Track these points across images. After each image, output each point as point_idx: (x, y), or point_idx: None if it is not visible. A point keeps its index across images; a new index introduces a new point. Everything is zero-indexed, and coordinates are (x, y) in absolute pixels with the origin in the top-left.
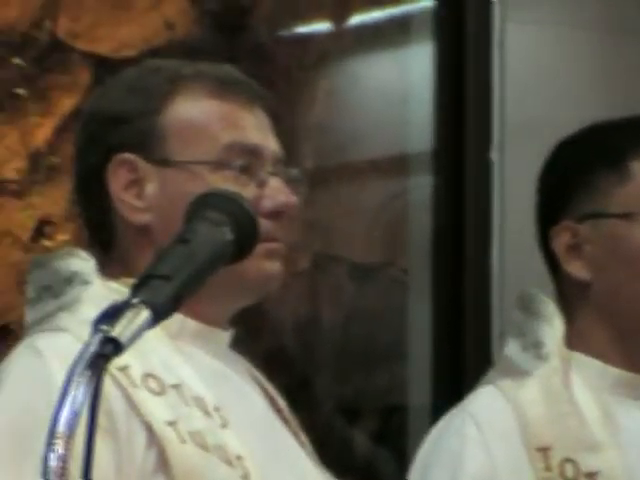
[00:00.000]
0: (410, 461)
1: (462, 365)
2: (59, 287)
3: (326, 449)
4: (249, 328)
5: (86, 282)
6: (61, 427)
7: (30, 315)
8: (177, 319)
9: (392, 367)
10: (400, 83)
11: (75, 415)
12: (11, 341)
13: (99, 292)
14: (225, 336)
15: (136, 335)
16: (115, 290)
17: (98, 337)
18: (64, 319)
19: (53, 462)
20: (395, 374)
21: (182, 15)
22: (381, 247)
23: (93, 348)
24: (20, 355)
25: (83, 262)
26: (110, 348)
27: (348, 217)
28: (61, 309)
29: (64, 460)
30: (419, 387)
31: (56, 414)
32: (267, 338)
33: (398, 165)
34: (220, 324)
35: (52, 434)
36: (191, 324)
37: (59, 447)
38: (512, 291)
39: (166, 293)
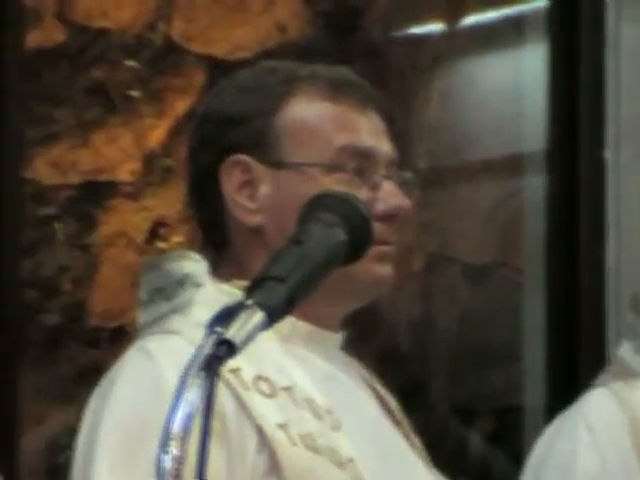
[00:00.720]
0: (525, 462)
1: (577, 365)
2: (171, 289)
3: (440, 450)
4: (363, 329)
5: (198, 284)
6: (175, 429)
7: (142, 317)
8: (289, 321)
9: (507, 368)
10: (514, 83)
11: (189, 417)
12: (125, 343)
13: (211, 294)
14: (336, 338)
15: (250, 337)
16: (227, 292)
17: (212, 339)
18: (176, 321)
19: (167, 463)
20: (510, 375)
21: (295, 17)
22: (495, 247)
23: (207, 350)
24: (132, 357)
25: (195, 264)
26: (224, 350)
27: (462, 217)
28: (173, 311)
29: (179, 461)
30: (534, 388)
31: (170, 416)
32: (381, 339)
33: (512, 165)
34: (331, 326)
35: (166, 436)
36: (303, 326)
37: (174, 448)
38: (627, 290)
39: (280, 295)
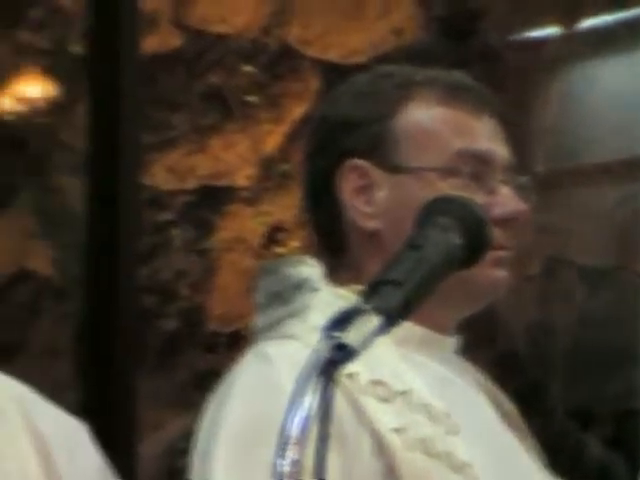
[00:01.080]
0: None
1: None
2: (288, 293)
3: (559, 454)
4: (480, 333)
5: (315, 289)
6: (293, 432)
7: (259, 321)
8: (404, 325)
9: (626, 372)
10: (632, 87)
11: (306, 421)
12: (243, 347)
13: (327, 299)
14: (451, 342)
15: (367, 342)
16: (343, 297)
17: (329, 343)
18: (293, 326)
19: (285, 468)
20: (629, 379)
21: (410, 21)
22: (613, 250)
23: (324, 354)
24: (249, 362)
25: (312, 269)
26: (341, 354)
27: (580, 221)
28: (290, 316)
29: (297, 465)
30: None
31: (288, 420)
32: (499, 343)
33: (630, 168)
34: (447, 330)
35: (284, 439)
36: (418, 330)
37: (292, 452)
38: None
39: (397, 299)
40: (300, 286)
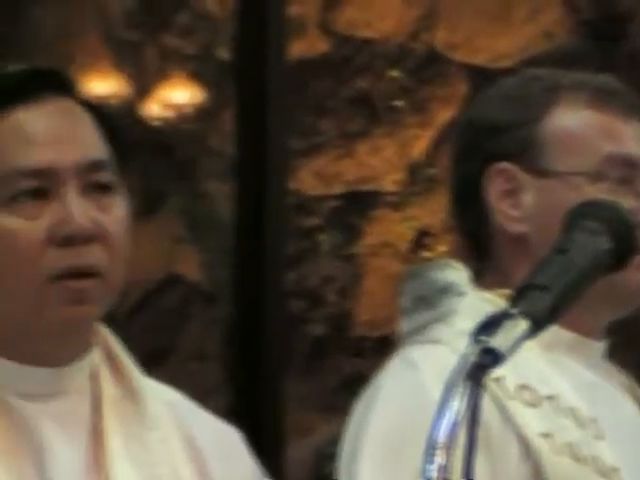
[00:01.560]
0: None
1: None
2: (434, 298)
3: None
4: (628, 337)
5: (461, 293)
6: (441, 438)
7: (405, 325)
8: (551, 329)
9: None
10: None
11: (454, 426)
12: (390, 352)
13: (473, 303)
14: (599, 347)
15: (515, 346)
16: (489, 301)
17: (477, 348)
18: (439, 331)
19: (433, 472)
20: None
21: (559, 25)
22: None
23: (472, 359)
24: (396, 366)
25: (458, 273)
26: (489, 359)
27: None
28: (436, 320)
29: (445, 471)
30: None
31: (435, 425)
32: None
33: None
34: (594, 334)
35: (432, 445)
36: (565, 335)
37: (439, 457)
38: None
39: (545, 304)
40: (446, 290)
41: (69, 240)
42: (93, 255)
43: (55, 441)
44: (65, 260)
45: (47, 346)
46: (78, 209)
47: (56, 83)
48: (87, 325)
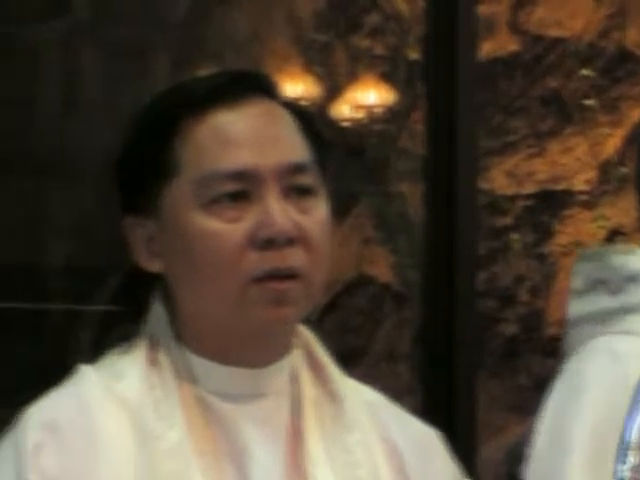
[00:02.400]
0: None
1: None
2: (617, 284)
3: None
4: None
5: None
6: (634, 437)
7: (575, 306)
8: None
9: None
10: None
11: None
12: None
13: None
14: None
15: None
16: None
17: None
18: (636, 323)
19: (626, 473)
20: None
21: None
22: None
23: None
24: (599, 358)
25: None
26: None
27: None
28: (627, 311)
29: (638, 471)
30: None
31: (627, 424)
32: None
33: None
34: None
35: (624, 444)
36: None
37: (632, 457)
38: None
39: None
40: (634, 279)
41: (270, 242)
42: (294, 257)
43: (255, 443)
44: (266, 262)
45: (248, 347)
46: (279, 212)
47: (258, 85)
48: (287, 327)
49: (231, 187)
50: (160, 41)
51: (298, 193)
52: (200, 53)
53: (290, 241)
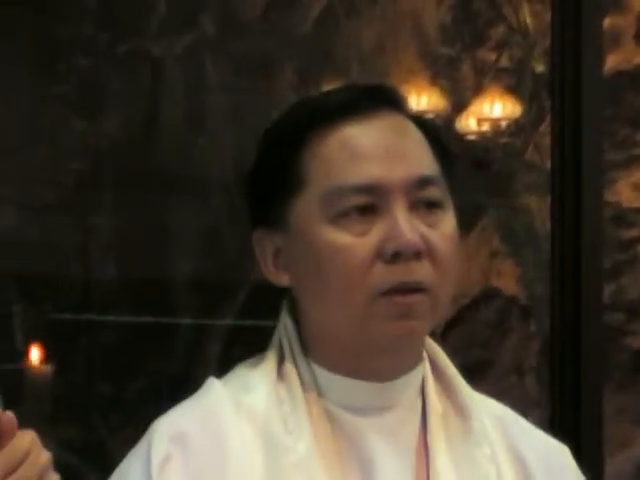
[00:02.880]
0: None
1: None
2: None
3: None
4: None
5: None
6: None
7: None
8: None
9: None
10: None
11: None
12: None
13: None
14: None
15: None
16: None
17: None
18: None
19: None
20: None
21: None
22: None
23: None
24: None
25: None
26: None
27: None
28: None
29: None
30: None
31: None
32: None
33: None
34: None
35: None
36: None
37: None
38: None
39: None
40: None
41: (397, 256)
42: (421, 271)
43: (382, 456)
44: (393, 276)
45: (376, 361)
46: (407, 225)
47: (387, 99)
48: (414, 340)
49: (359, 200)
50: (286, 55)
51: (426, 206)
52: (326, 66)
53: (417, 255)
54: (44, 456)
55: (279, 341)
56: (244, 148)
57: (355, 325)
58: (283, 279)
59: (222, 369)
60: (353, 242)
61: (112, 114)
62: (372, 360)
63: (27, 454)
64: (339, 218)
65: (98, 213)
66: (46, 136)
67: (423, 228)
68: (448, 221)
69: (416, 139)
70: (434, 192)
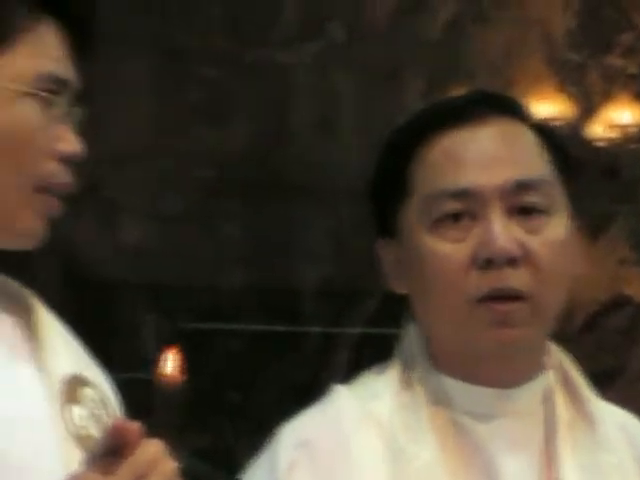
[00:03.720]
0: None
1: None
2: None
3: None
4: None
5: None
6: None
7: None
8: None
9: None
10: None
11: None
12: None
13: None
14: None
15: None
16: None
17: None
18: None
19: None
20: None
21: None
22: None
23: None
24: None
25: None
26: None
27: None
28: None
29: None
30: None
31: None
32: None
33: None
34: None
35: None
36: None
37: None
38: None
39: None
40: None
41: (490, 262)
42: (517, 278)
43: (506, 464)
44: (486, 283)
45: (490, 367)
46: (501, 231)
47: (498, 106)
48: (518, 348)
49: (454, 207)
50: (414, 61)
51: (526, 212)
52: (454, 73)
53: (511, 261)
54: (170, 465)
55: (404, 348)
56: (372, 155)
57: (457, 332)
58: (402, 287)
59: (350, 377)
60: (449, 249)
61: (239, 123)
62: (487, 366)
63: (154, 463)
64: (436, 225)
65: (226, 222)
66: (173, 145)
67: (521, 234)
68: (554, 227)
69: (525, 144)
70: (536, 197)
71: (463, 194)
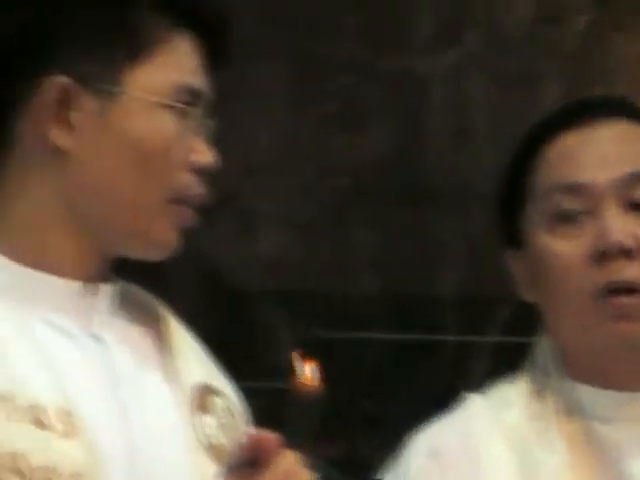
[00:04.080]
0: None
1: None
2: None
3: None
4: None
5: None
6: None
7: None
8: None
9: None
10: None
11: None
12: None
13: None
14: None
15: None
16: None
17: None
18: None
19: None
20: None
21: None
22: None
23: None
24: None
25: None
26: None
27: None
28: None
29: None
30: None
31: None
32: None
33: None
34: None
35: None
36: None
37: None
38: None
39: None
40: None
41: (605, 256)
42: (631, 270)
43: (637, 467)
44: (601, 277)
45: (620, 367)
46: (615, 224)
47: (616, 109)
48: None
49: (569, 204)
50: (551, 70)
51: None
52: (591, 81)
53: (626, 253)
54: (307, 476)
55: (536, 358)
56: (506, 163)
57: (582, 330)
58: (533, 296)
59: (486, 386)
60: (567, 247)
61: (375, 131)
62: (611, 366)
63: (292, 474)
64: (552, 224)
65: (361, 229)
66: (309, 154)
67: (636, 227)
68: None
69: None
70: None
71: (577, 189)
